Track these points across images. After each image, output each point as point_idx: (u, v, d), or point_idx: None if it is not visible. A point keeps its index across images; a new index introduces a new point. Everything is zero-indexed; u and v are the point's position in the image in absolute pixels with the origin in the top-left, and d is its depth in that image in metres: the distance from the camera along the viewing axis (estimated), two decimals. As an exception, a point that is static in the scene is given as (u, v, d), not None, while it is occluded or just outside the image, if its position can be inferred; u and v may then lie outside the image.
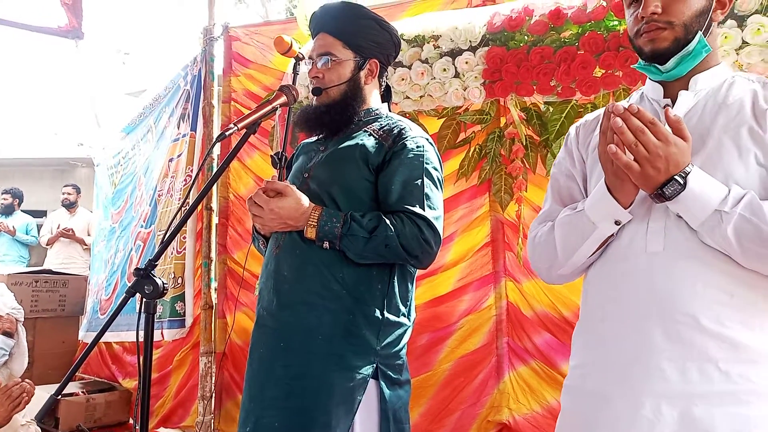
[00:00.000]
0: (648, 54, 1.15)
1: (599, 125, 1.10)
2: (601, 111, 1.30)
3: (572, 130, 1.34)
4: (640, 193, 1.08)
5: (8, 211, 6.64)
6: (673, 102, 1.16)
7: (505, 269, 2.63)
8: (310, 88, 1.70)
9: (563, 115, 2.29)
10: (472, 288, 2.68)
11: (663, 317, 1.03)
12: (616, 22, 2.10)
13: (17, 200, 6.76)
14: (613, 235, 1.13)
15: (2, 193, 6.69)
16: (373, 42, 1.69)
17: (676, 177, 1.01)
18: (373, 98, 1.73)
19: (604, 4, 2.10)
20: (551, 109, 2.34)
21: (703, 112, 1.12)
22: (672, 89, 1.18)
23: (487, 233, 2.66)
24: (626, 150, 1.02)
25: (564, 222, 1.19)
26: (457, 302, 2.70)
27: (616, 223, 1.10)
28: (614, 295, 1.11)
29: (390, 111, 1.78)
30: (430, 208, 1.55)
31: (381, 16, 1.73)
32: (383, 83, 1.78)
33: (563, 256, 1.19)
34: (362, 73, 1.69)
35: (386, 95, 1.81)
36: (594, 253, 1.16)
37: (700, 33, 1.12)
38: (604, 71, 2.11)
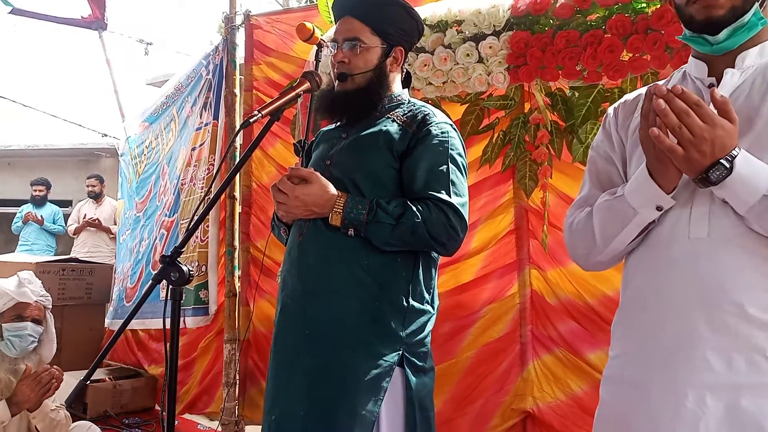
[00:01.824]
0: (701, 22, 1.07)
1: (639, 106, 1.04)
2: (641, 91, 1.24)
3: (610, 111, 1.28)
4: (683, 177, 1.04)
5: (42, 202, 6.75)
6: (718, 81, 1.10)
7: (529, 257, 2.60)
8: (332, 74, 1.68)
9: (589, 100, 2.24)
10: (495, 276, 2.66)
11: (708, 306, 0.99)
12: (644, 5, 2.04)
13: (49, 191, 6.88)
14: (654, 221, 1.09)
15: (35, 184, 6.79)
16: (400, 29, 1.67)
17: (721, 161, 0.95)
18: (395, 84, 1.72)
19: (632, -15, 2.05)
20: (577, 93, 2.29)
21: (751, 91, 1.06)
22: (717, 67, 1.11)
23: (510, 221, 2.63)
24: (669, 133, 0.97)
25: (603, 207, 1.15)
26: (480, 290, 2.67)
27: (658, 208, 1.06)
28: (656, 283, 1.07)
29: (410, 96, 1.76)
30: (456, 194, 1.54)
31: (407, 2, 1.70)
32: (404, 69, 1.77)
33: (602, 243, 1.15)
34: (388, 61, 1.67)
35: (406, 81, 1.79)
36: (634, 239, 1.12)
37: (756, 4, 1.06)
38: (631, 55, 2.06)
